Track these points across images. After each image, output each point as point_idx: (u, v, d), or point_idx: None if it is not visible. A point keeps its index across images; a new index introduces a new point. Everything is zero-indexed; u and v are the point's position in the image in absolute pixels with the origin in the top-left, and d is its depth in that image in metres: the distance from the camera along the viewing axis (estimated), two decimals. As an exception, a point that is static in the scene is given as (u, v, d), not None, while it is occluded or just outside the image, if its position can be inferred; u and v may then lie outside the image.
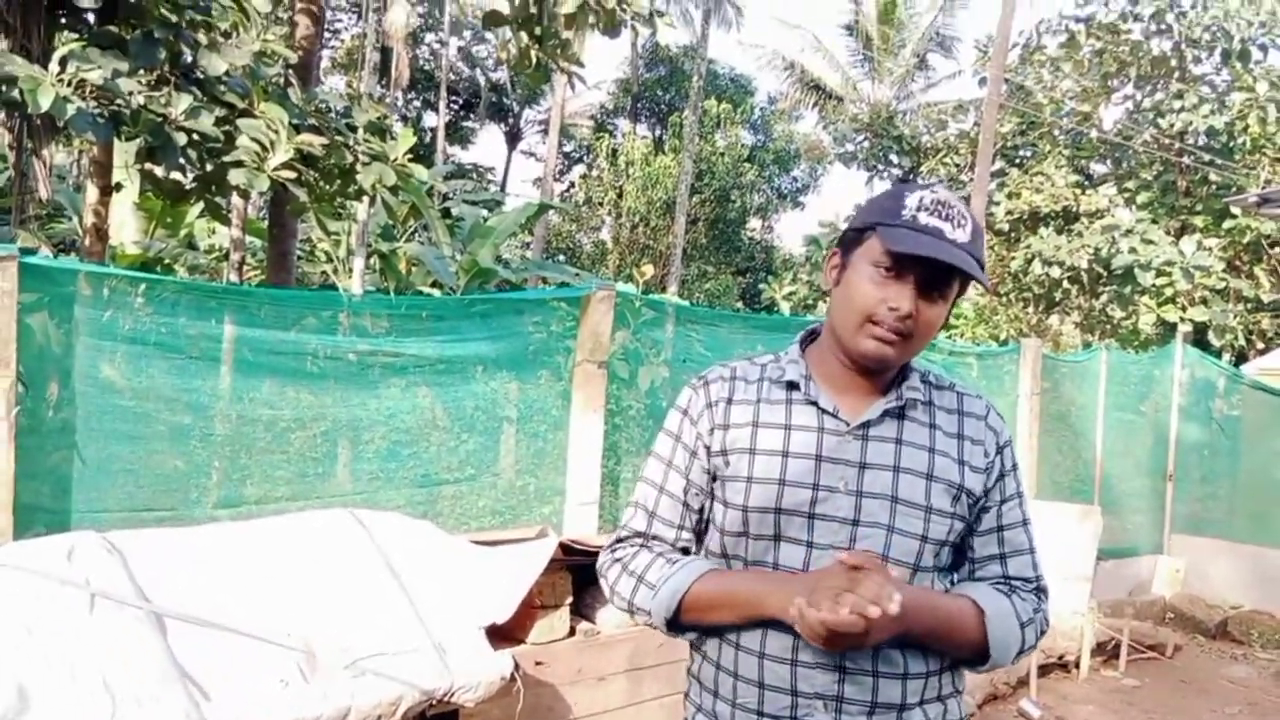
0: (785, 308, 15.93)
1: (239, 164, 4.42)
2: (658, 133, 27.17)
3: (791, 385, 1.50)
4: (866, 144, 19.75)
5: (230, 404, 3.95)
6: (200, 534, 2.79)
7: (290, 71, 5.82)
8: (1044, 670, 5.97)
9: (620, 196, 22.69)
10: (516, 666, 2.77)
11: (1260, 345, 13.88)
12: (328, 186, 5.12)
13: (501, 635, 3.10)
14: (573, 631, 3.43)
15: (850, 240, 1.48)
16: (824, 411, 1.46)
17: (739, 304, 22.08)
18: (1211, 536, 8.58)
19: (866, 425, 1.45)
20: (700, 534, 1.57)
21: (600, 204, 23.46)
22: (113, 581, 2.36)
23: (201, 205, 5.34)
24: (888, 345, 1.41)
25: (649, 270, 10.40)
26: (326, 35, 23.90)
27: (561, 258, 23.34)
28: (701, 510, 1.54)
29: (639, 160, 22.64)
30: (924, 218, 1.39)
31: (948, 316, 1.48)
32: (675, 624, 1.49)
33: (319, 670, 2.24)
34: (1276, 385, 9.25)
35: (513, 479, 5.00)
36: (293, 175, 4.55)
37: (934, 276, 1.39)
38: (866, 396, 1.48)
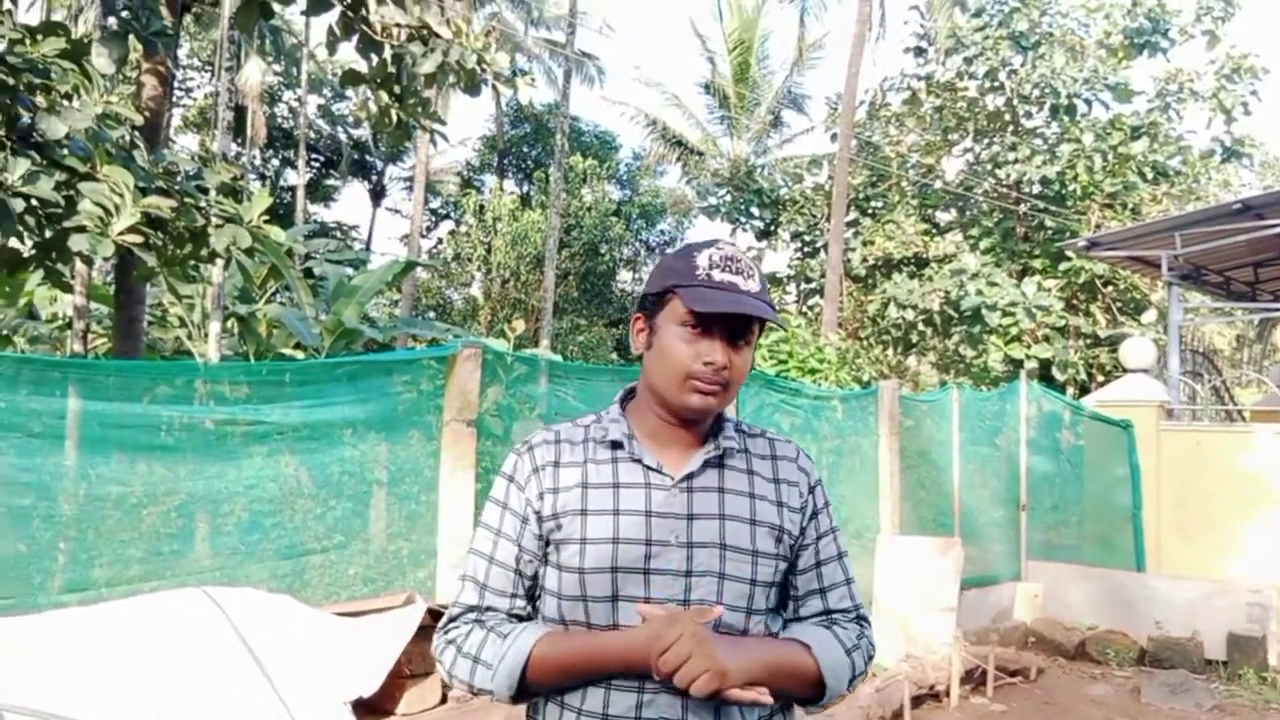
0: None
1: (81, 229, 4.23)
2: (525, 188, 27.29)
3: (616, 444, 1.53)
4: (728, 197, 20.35)
5: (76, 482, 3.75)
6: (43, 621, 2.62)
7: (136, 133, 5.63)
8: (917, 701, 6.13)
9: (489, 252, 22.63)
10: (386, 739, 2.69)
11: (1100, 378, 14.79)
12: (178, 250, 4.95)
13: (370, 708, 3.00)
14: (445, 699, 3.34)
15: (652, 304, 1.54)
16: (649, 468, 1.51)
17: (614, 355, 22.22)
18: (1064, 561, 9.03)
19: (690, 477, 1.50)
20: (534, 599, 1.56)
21: (469, 260, 23.32)
22: (-59, 680, 2.19)
23: (42, 273, 5.08)
24: (711, 397, 1.49)
25: (520, 325, 10.38)
26: (178, 94, 23.20)
27: (432, 315, 23.02)
28: (535, 577, 1.53)
29: (507, 216, 22.67)
30: (718, 275, 1.48)
31: (753, 359, 1.58)
32: (523, 694, 1.47)
33: (172, 759, 2.13)
34: (1115, 416, 9.88)
35: (385, 544, 4.87)
36: (139, 239, 4.39)
37: (737, 327, 1.49)
38: (687, 450, 1.54)
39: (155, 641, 2.53)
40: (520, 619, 1.54)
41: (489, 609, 1.52)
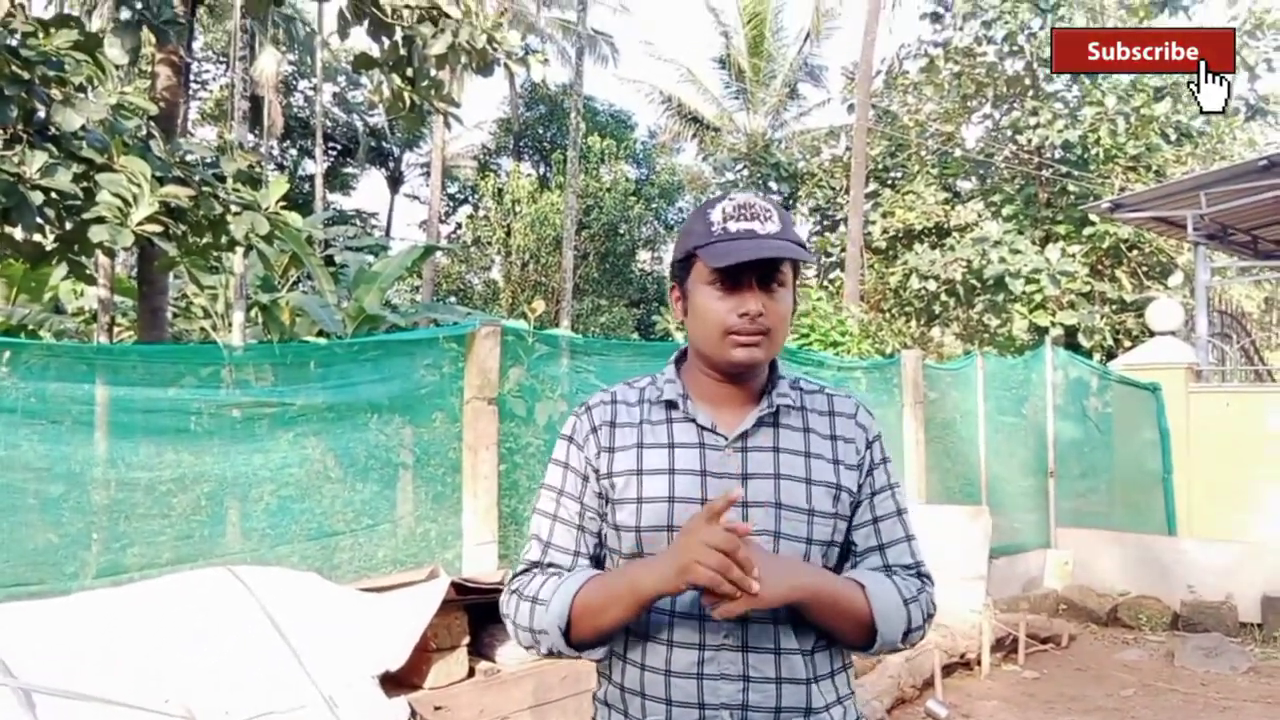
0: (679, 337, 16.12)
1: (100, 220, 4.25)
2: (542, 170, 27.25)
3: (670, 404, 1.54)
4: (746, 173, 20.25)
5: (106, 469, 3.78)
6: (71, 604, 2.65)
7: (153, 124, 5.65)
8: (948, 670, 6.12)
9: (508, 235, 22.63)
10: (413, 713, 2.71)
11: (1127, 344, 14.62)
12: (198, 239, 4.96)
13: (397, 682, 3.03)
14: (472, 672, 3.36)
15: (680, 271, 1.56)
16: (702, 428, 1.51)
17: (635, 335, 22.19)
18: (1095, 528, 8.96)
19: (744, 436, 1.50)
20: (598, 559, 1.57)
21: (489, 243, 23.34)
22: (-23, 663, 2.22)
23: (65, 266, 5.12)
24: (753, 348, 1.48)
25: (540, 306, 10.41)
26: (194, 86, 23.30)
27: (453, 299, 23.07)
28: (599, 534, 1.55)
29: (525, 198, 22.65)
30: (733, 225, 1.47)
31: (796, 301, 1.56)
32: (572, 638, 1.46)
33: (204, 734, 2.15)
34: (1143, 379, 9.77)
35: (412, 525, 4.90)
36: (159, 229, 4.40)
37: (765, 272, 1.47)
38: (740, 408, 1.53)
39: (181, 620, 2.56)
40: None
41: (551, 565, 1.54)
